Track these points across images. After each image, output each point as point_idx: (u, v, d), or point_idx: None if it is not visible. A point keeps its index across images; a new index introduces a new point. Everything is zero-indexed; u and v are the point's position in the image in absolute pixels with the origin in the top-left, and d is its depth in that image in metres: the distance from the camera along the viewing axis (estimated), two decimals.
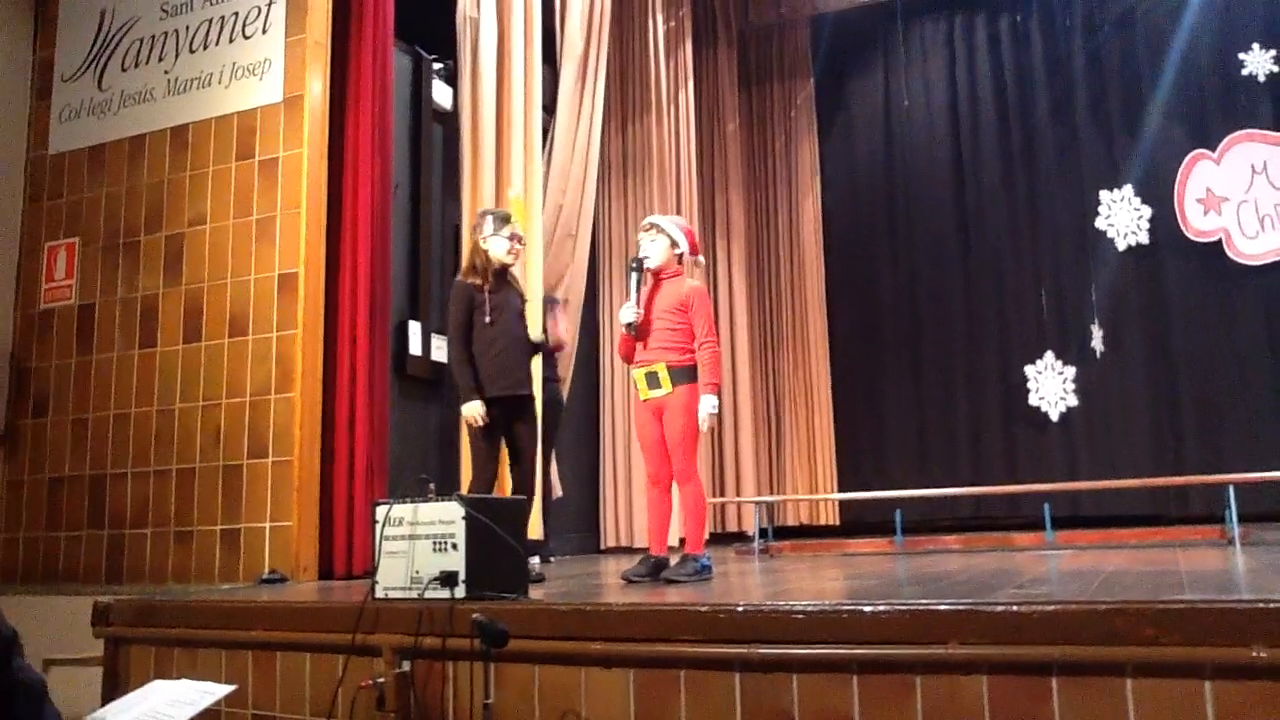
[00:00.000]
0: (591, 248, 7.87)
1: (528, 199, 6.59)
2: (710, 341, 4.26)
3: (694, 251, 4.49)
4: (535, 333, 4.74)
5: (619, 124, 8.77)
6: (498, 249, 4.56)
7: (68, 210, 6.05)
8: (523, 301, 4.70)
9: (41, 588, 5.51)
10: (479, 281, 4.53)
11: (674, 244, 4.39)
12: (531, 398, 4.62)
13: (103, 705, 2.85)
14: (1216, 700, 2.14)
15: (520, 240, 4.68)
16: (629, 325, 4.30)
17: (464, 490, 4.89)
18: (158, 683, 2.63)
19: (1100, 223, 9.10)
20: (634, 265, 4.40)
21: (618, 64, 8.70)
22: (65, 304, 5.95)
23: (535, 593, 3.24)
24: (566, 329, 6.82)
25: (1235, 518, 5.95)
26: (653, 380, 4.25)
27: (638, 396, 4.34)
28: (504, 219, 4.62)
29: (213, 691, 2.53)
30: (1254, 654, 2.10)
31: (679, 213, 8.67)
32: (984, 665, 2.33)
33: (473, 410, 4.42)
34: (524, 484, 4.58)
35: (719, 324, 9.03)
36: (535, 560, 5.33)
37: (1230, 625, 2.14)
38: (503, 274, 4.60)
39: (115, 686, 3.60)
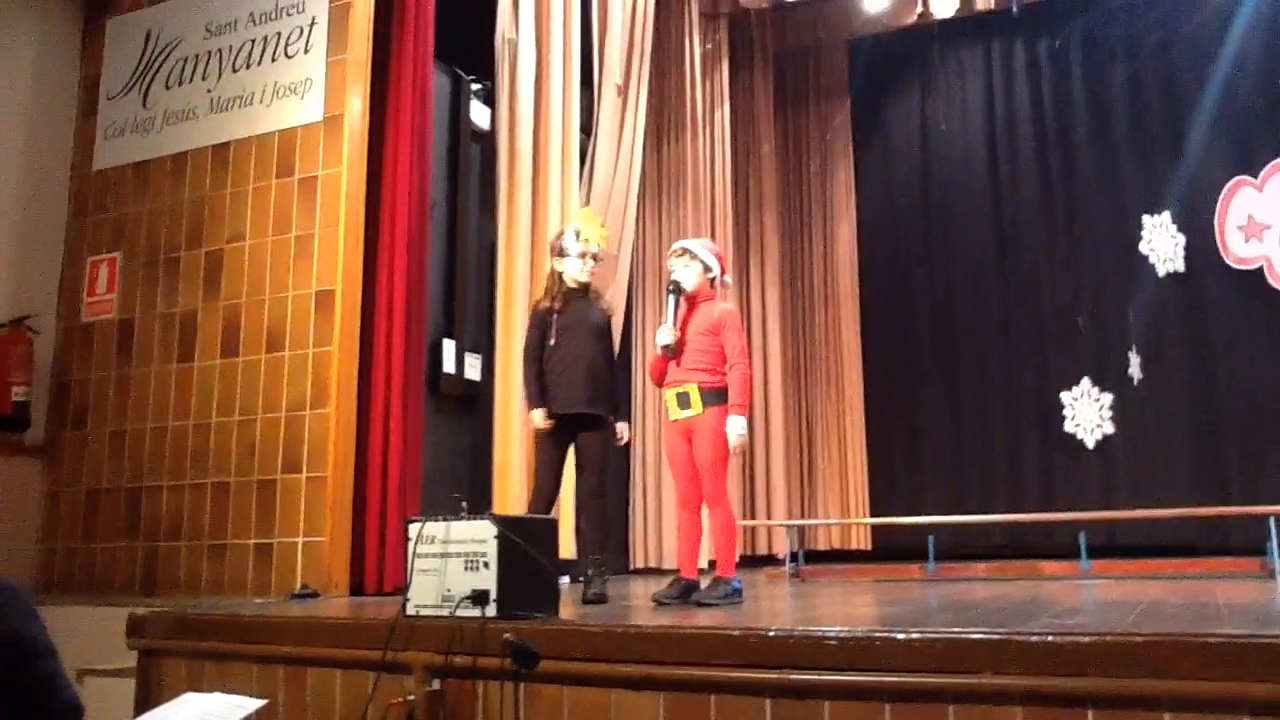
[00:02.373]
0: None
1: (565, 218, 6.62)
2: (741, 363, 4.24)
3: (723, 273, 4.49)
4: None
5: (654, 144, 8.78)
6: (572, 269, 4.57)
7: (110, 225, 6.15)
8: (606, 317, 4.65)
9: (78, 598, 5.56)
10: (548, 304, 4.58)
11: (707, 268, 4.39)
12: (597, 416, 4.50)
13: (135, 717, 2.87)
14: None
15: (595, 258, 4.63)
16: (666, 347, 4.29)
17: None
18: (190, 695, 2.65)
19: (1144, 247, 8.99)
20: (671, 288, 4.39)
21: (654, 85, 8.73)
22: (106, 318, 6.03)
23: (565, 613, 3.23)
24: None
25: (1277, 550, 5.84)
26: (683, 400, 4.23)
27: (668, 417, 4.33)
28: (576, 235, 4.59)
29: (244, 705, 2.54)
30: None
31: (713, 234, 8.66)
32: (1018, 696, 2.30)
33: (534, 417, 4.55)
34: (586, 497, 4.56)
35: (751, 345, 9.00)
36: (565, 580, 5.30)
37: (1272, 660, 2.10)
38: (582, 292, 4.60)
39: (148, 698, 3.62)
